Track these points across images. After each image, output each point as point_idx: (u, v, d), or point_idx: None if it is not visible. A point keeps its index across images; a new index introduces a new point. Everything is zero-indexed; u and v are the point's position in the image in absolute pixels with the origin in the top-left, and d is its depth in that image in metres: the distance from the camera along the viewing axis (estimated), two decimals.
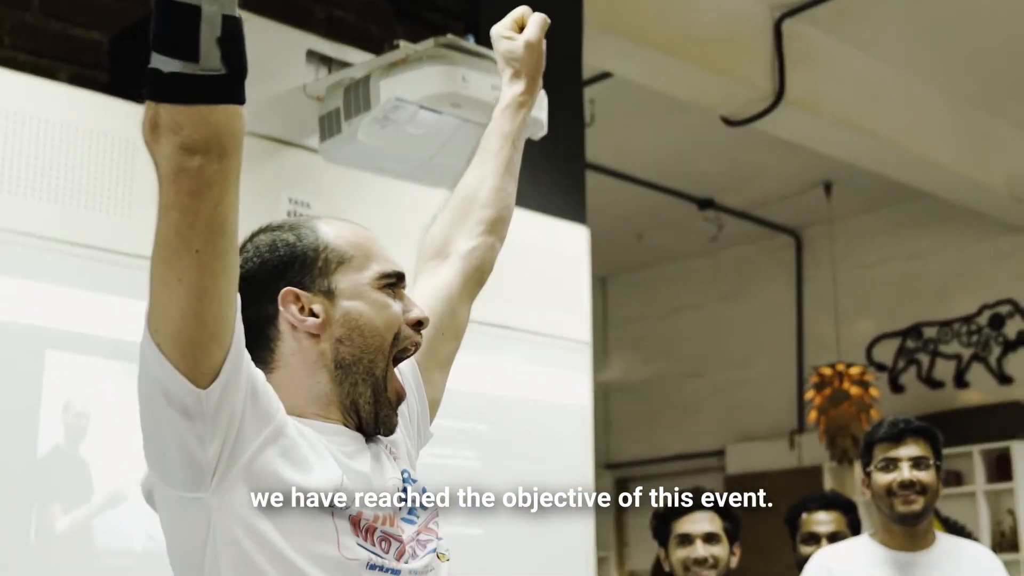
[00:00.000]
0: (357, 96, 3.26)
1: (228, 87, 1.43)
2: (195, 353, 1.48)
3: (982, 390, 7.79)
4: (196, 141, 1.43)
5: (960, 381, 7.91)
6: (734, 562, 3.72)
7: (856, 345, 8.27)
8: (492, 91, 3.20)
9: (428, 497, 1.77)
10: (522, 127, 2.19)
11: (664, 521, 3.75)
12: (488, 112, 3.20)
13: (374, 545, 1.63)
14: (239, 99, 1.45)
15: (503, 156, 2.14)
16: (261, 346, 1.70)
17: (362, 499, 1.63)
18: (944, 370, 7.99)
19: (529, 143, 3.65)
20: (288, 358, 1.71)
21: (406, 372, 1.87)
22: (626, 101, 6.32)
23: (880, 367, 8.20)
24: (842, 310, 8.33)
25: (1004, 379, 7.71)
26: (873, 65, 6.27)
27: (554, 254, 4.29)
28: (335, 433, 1.70)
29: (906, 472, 3.33)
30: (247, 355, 1.56)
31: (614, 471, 9.57)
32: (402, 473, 1.76)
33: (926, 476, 3.35)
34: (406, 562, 1.66)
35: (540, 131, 3.49)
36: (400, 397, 1.77)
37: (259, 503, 1.54)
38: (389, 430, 1.76)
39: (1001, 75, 6.51)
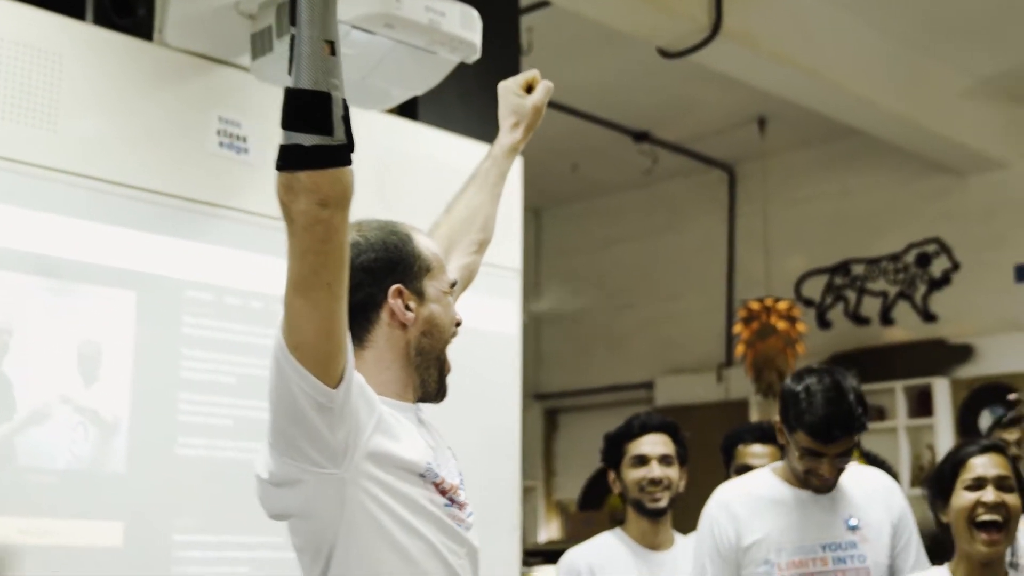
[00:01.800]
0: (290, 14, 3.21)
1: (349, 153, 1.79)
2: (327, 362, 1.87)
3: (907, 327, 7.91)
4: (331, 197, 1.77)
5: (886, 318, 8.02)
6: (682, 485, 3.77)
7: (785, 280, 8.35)
8: (425, 12, 3.18)
9: (460, 471, 2.24)
10: (511, 165, 2.68)
11: (616, 443, 3.79)
12: (422, 34, 3.20)
13: (451, 504, 2.10)
14: (352, 161, 1.81)
15: (498, 190, 2.63)
16: (360, 327, 2.11)
17: (438, 467, 2.10)
18: (870, 307, 8.10)
19: (464, 68, 3.65)
20: (380, 341, 2.14)
21: None
22: (563, 31, 6.30)
23: (808, 303, 8.29)
24: (772, 246, 8.40)
25: (928, 317, 7.82)
26: (810, 1, 6.28)
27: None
28: (406, 411, 2.14)
29: (826, 470, 3.25)
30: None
31: (543, 402, 9.63)
32: (449, 448, 2.24)
33: (847, 463, 3.30)
34: (467, 515, 2.16)
35: (473, 55, 3.47)
36: (450, 371, 2.23)
37: (377, 474, 1.99)
38: (445, 395, 2.24)
39: (937, 15, 6.55)
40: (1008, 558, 3.11)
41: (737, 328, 7.55)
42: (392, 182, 3.93)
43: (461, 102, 4.32)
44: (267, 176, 3.31)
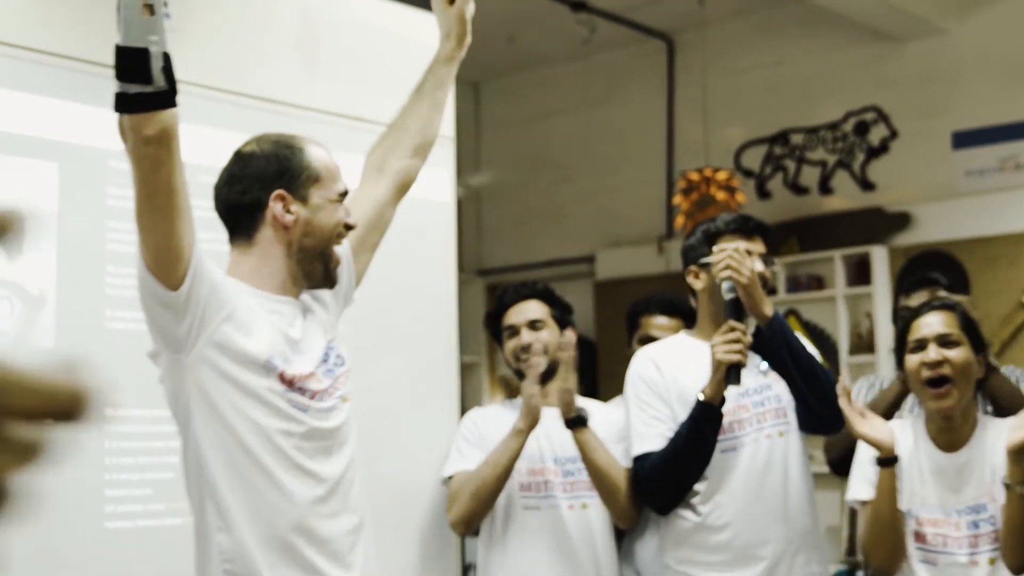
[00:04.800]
0: None
1: (169, 98, 2.16)
2: (166, 269, 2.29)
3: (845, 196, 7.92)
4: (151, 136, 2.15)
5: (824, 187, 8.02)
6: None
7: (724, 151, 8.32)
8: None
9: (340, 359, 2.63)
10: (450, 74, 3.02)
11: (495, 320, 3.83)
12: None
13: (294, 391, 2.47)
14: (175, 104, 2.17)
15: (435, 98, 2.97)
16: (250, 226, 2.56)
17: (287, 359, 2.48)
18: (809, 176, 8.09)
19: None
20: (265, 239, 2.55)
21: (343, 254, 2.69)
22: None
23: (748, 173, 8.28)
24: (712, 116, 8.35)
25: (867, 185, 7.83)
26: None
27: (416, 46, 4.18)
28: (282, 303, 2.55)
29: (759, 266, 3.39)
30: (208, 264, 2.36)
31: (486, 277, 9.62)
32: (328, 342, 2.62)
33: (769, 273, 3.43)
34: (319, 401, 2.51)
35: None
36: (337, 263, 2.61)
37: (218, 362, 2.40)
38: (333, 284, 2.64)
39: None
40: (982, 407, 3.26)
41: (677, 199, 7.54)
42: (314, 45, 3.85)
43: None
44: (190, 42, 3.28)
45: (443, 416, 4.05)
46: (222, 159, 3.57)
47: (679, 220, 7.47)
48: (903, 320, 3.27)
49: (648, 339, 4.12)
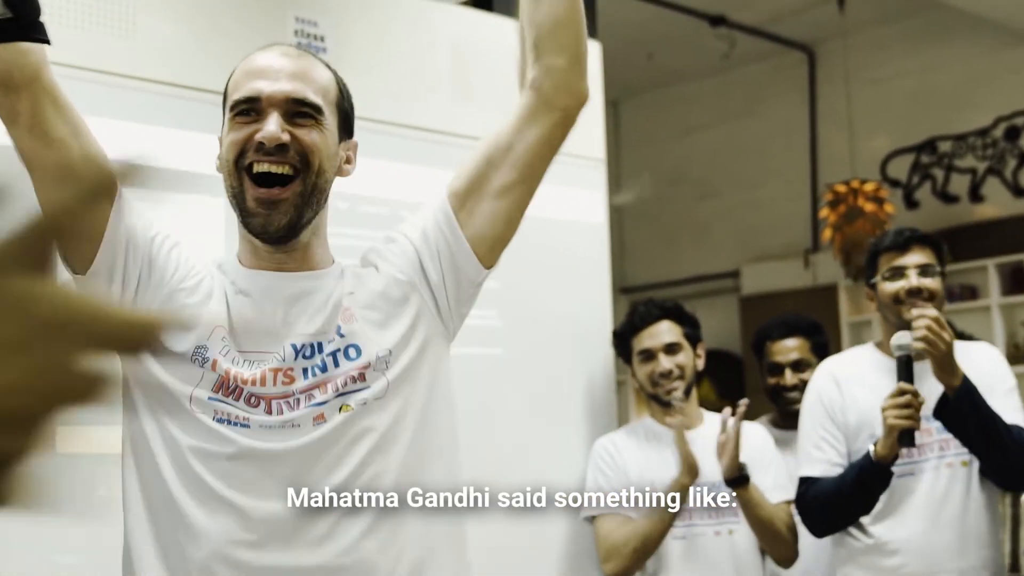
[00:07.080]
0: None
1: (13, 29, 1.65)
2: (68, 249, 1.81)
3: (997, 203, 7.75)
4: None
5: (975, 195, 7.86)
6: (700, 364, 3.73)
7: (870, 161, 8.20)
8: None
9: (357, 350, 1.89)
10: None
11: (624, 340, 3.77)
12: None
13: (230, 400, 1.83)
14: (28, 38, 1.67)
15: None
16: None
17: (227, 354, 1.84)
18: (959, 184, 7.94)
19: None
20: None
21: (436, 208, 2.01)
22: None
23: (895, 183, 8.15)
24: (856, 126, 8.24)
25: (1019, 192, 7.65)
26: None
27: None
28: (252, 278, 1.94)
29: (913, 279, 3.32)
30: (143, 238, 1.88)
31: (629, 295, 9.59)
32: (336, 329, 1.89)
33: (932, 283, 3.35)
34: (272, 413, 1.83)
35: None
36: (264, 201, 1.87)
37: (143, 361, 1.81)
38: (270, 232, 1.89)
39: None
40: None
41: (823, 212, 7.43)
42: (467, 74, 3.89)
43: None
44: (346, 74, 3.31)
45: (601, 435, 4.05)
46: (380, 189, 3.65)
47: (826, 233, 7.37)
48: None
49: (776, 367, 4.06)
